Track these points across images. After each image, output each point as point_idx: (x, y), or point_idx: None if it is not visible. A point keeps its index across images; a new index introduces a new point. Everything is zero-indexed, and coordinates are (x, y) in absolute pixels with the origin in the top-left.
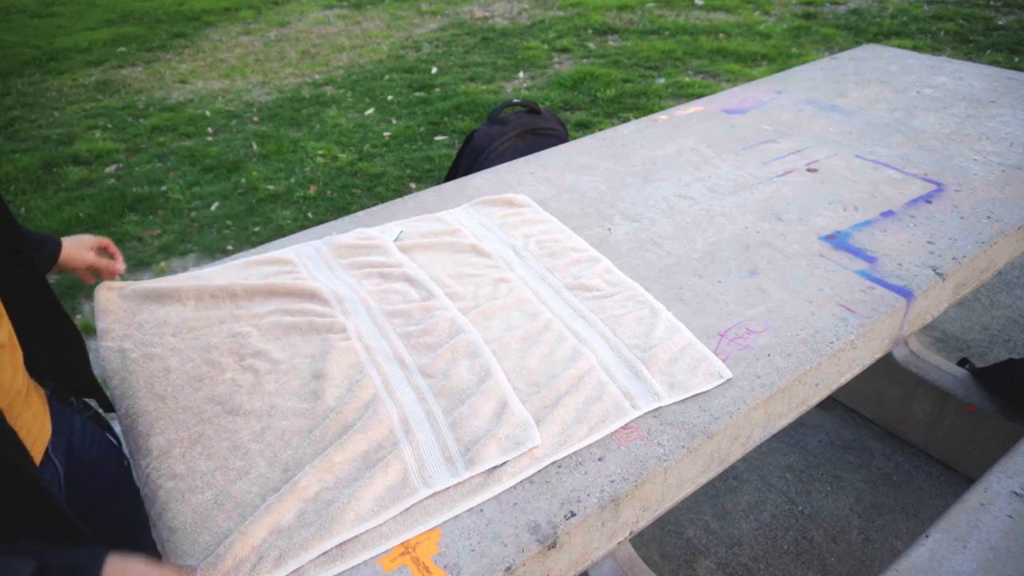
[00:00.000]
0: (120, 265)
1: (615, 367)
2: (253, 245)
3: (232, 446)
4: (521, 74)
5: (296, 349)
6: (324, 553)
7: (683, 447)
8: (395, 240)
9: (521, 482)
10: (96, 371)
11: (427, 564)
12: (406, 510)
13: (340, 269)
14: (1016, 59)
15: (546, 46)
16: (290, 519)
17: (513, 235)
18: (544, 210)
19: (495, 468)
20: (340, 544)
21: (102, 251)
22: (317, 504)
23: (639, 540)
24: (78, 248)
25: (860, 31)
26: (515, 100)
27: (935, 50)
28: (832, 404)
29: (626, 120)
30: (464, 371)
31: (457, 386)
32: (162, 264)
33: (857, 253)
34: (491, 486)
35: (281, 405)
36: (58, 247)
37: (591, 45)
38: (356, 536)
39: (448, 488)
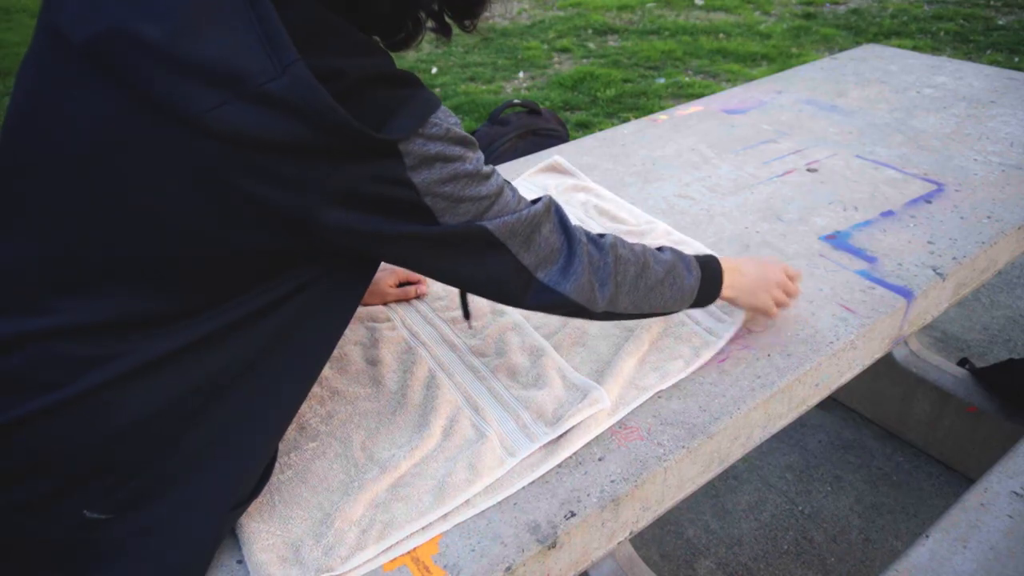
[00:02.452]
0: (424, 287)
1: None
2: None
3: (300, 427)
4: (521, 74)
5: (344, 338)
6: (426, 526)
7: (683, 447)
8: None
9: (520, 482)
10: None
11: (427, 564)
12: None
13: None
14: (1016, 59)
15: (546, 46)
16: (384, 494)
17: (572, 203)
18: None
19: (564, 433)
20: (444, 515)
21: (403, 282)
22: (409, 479)
23: (639, 540)
24: (373, 289)
25: (860, 31)
26: (515, 101)
27: (935, 50)
28: (832, 404)
29: (626, 120)
30: (516, 350)
31: (514, 365)
32: None
33: (857, 253)
34: (564, 449)
35: (342, 390)
36: None
37: (591, 45)
38: (456, 508)
39: (531, 455)
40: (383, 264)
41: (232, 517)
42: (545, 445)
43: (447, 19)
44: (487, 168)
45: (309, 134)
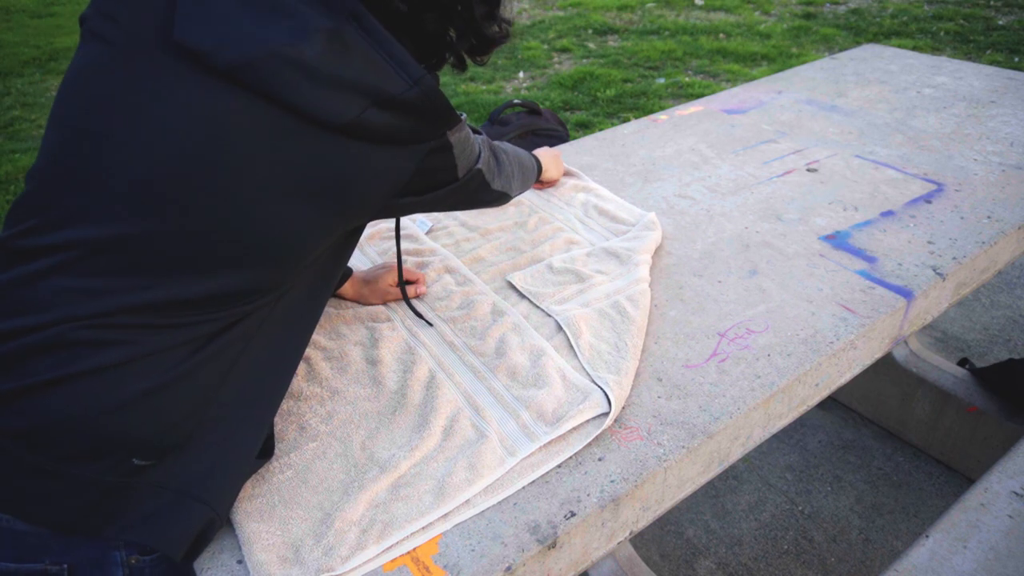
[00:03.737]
0: (423, 288)
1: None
2: None
3: (300, 428)
4: (521, 74)
5: (344, 338)
6: (426, 526)
7: (683, 447)
8: (426, 233)
9: (520, 482)
10: None
11: (427, 564)
12: (497, 479)
13: (376, 256)
14: (1016, 59)
15: (546, 46)
16: (384, 495)
17: (573, 203)
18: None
19: (565, 434)
20: (444, 516)
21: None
22: (409, 479)
23: (639, 540)
24: (374, 288)
25: (860, 31)
26: (515, 101)
27: (935, 50)
28: (832, 404)
29: (626, 120)
30: (516, 350)
31: (514, 365)
32: None
33: (857, 253)
34: (564, 449)
35: (343, 390)
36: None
37: (591, 45)
38: (455, 508)
39: (530, 455)
40: (383, 264)
41: (254, 465)
42: (545, 445)
43: (463, 55)
44: (468, 128)
45: (427, 128)
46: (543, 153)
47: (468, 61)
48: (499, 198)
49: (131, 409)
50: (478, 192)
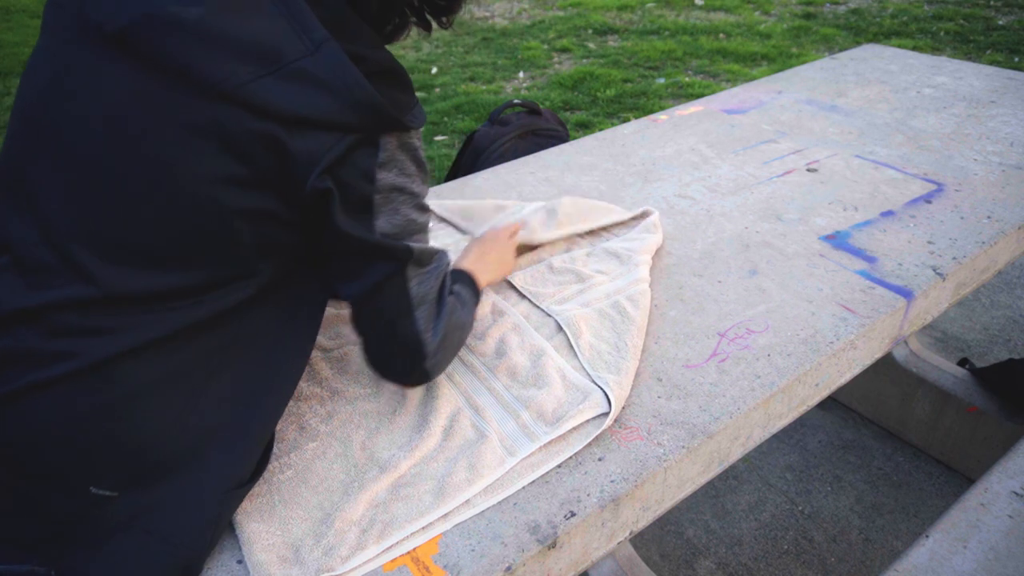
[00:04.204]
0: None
1: None
2: None
3: (300, 428)
4: (521, 74)
5: (344, 337)
6: (426, 526)
7: (683, 447)
8: None
9: (520, 482)
10: None
11: (427, 564)
12: (495, 481)
13: None
14: (1016, 59)
15: (546, 46)
16: (384, 495)
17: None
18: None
19: (565, 434)
20: (444, 516)
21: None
22: (409, 479)
23: (639, 540)
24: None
25: (860, 31)
26: (515, 101)
27: (935, 50)
28: (832, 404)
29: (626, 120)
30: (516, 351)
31: (514, 365)
32: None
33: (857, 253)
34: (564, 449)
35: (343, 390)
36: None
37: (591, 45)
38: (455, 508)
39: (530, 455)
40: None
41: (235, 496)
42: (545, 445)
43: (427, 16)
44: (426, 203)
45: (335, 108)
46: (473, 263)
47: (433, 23)
48: (412, 348)
49: (80, 429)
50: (389, 298)
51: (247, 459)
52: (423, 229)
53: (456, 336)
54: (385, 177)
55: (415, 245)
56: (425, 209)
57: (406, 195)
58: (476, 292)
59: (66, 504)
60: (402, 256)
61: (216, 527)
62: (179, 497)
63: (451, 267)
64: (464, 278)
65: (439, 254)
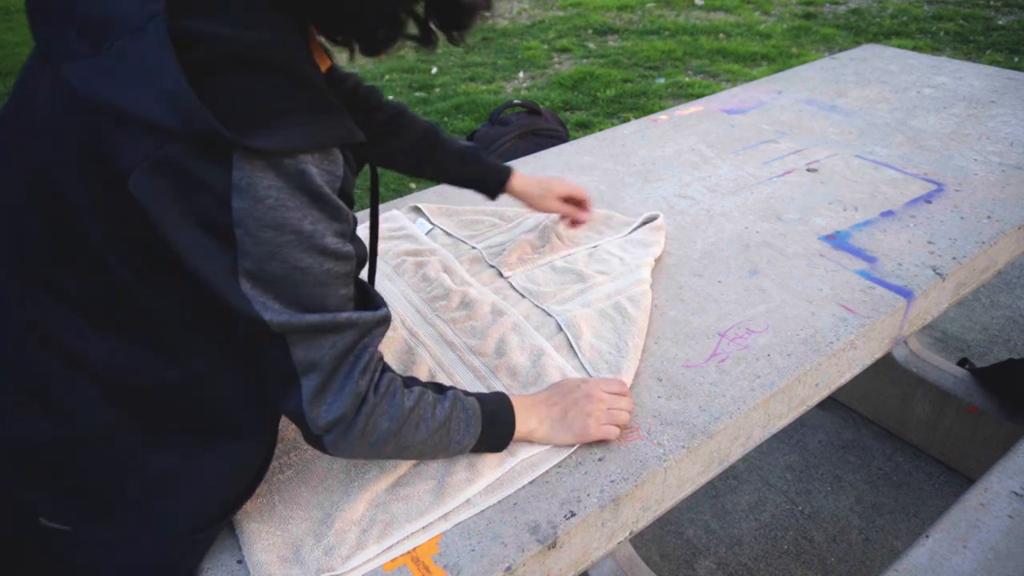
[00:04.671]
0: (584, 214)
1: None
2: None
3: None
4: (521, 74)
5: None
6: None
7: (683, 447)
8: (426, 233)
9: (520, 481)
10: None
11: (427, 564)
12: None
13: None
14: (1016, 59)
15: (546, 46)
16: (384, 494)
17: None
18: None
19: None
20: (444, 515)
21: (569, 200)
22: (409, 479)
23: (639, 540)
24: (543, 195)
25: (860, 31)
26: (516, 101)
27: (935, 50)
28: (832, 404)
29: (626, 120)
30: (516, 351)
31: (514, 365)
32: None
33: (857, 253)
34: (563, 448)
35: None
36: (502, 182)
37: (591, 45)
38: (455, 508)
39: (531, 455)
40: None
41: (193, 542)
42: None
43: (433, 27)
44: (337, 246)
45: (144, 102)
46: (534, 400)
47: (437, 36)
48: (296, 419)
49: (20, 453)
50: (263, 357)
51: (208, 503)
52: (324, 281)
53: (380, 428)
54: (244, 206)
55: (282, 317)
56: (335, 255)
57: (289, 235)
58: (493, 429)
59: (12, 530)
60: (260, 326)
61: (168, 569)
62: (132, 538)
63: (509, 394)
64: (490, 403)
65: (354, 325)
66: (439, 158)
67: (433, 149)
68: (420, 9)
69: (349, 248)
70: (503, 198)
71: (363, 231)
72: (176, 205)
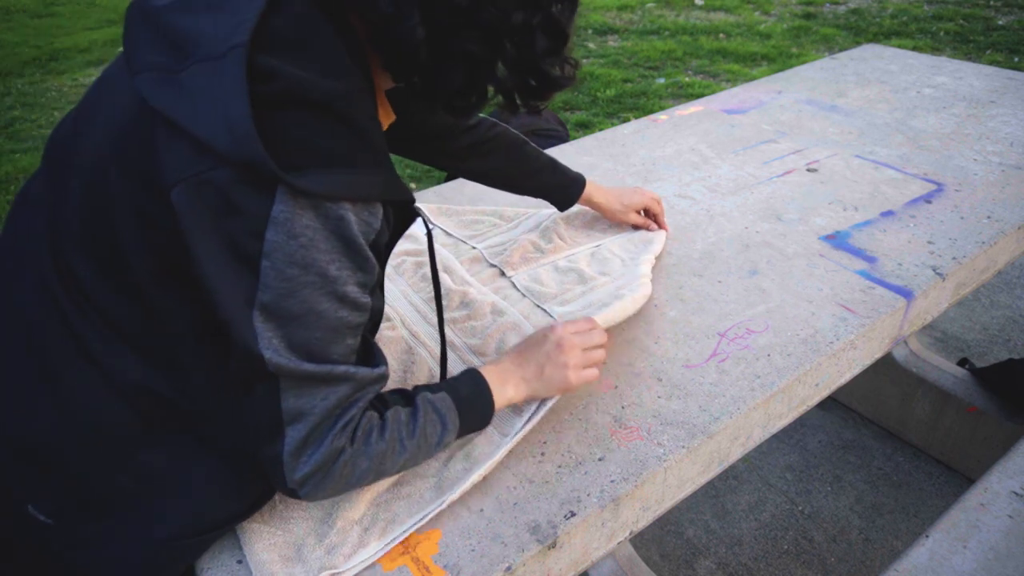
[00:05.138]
0: (658, 227)
1: None
2: None
3: None
4: None
5: None
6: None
7: (683, 447)
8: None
9: (521, 482)
10: None
11: (427, 564)
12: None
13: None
14: (1016, 59)
15: None
16: (386, 493)
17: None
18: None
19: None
20: (449, 505)
21: (646, 212)
22: (410, 478)
23: (639, 540)
24: (622, 208)
25: (860, 31)
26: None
27: (935, 50)
28: (832, 404)
29: (626, 120)
30: None
31: None
32: None
33: (857, 253)
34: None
35: None
36: (577, 192)
37: (591, 45)
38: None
39: (520, 427)
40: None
41: (190, 544)
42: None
43: (516, 98)
44: (357, 296)
45: (209, 127)
46: (507, 363)
47: (519, 105)
48: (270, 467)
49: (17, 440)
50: (250, 400)
51: (201, 510)
52: (336, 328)
53: (359, 469)
54: (277, 239)
55: (280, 359)
56: (353, 304)
57: (313, 276)
58: (472, 413)
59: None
60: (262, 369)
61: (155, 572)
62: (120, 538)
63: (480, 367)
64: (463, 388)
65: (350, 380)
66: (531, 171)
67: (523, 162)
68: (511, 86)
69: (367, 300)
70: (503, 198)
71: (426, 288)
72: (211, 223)
